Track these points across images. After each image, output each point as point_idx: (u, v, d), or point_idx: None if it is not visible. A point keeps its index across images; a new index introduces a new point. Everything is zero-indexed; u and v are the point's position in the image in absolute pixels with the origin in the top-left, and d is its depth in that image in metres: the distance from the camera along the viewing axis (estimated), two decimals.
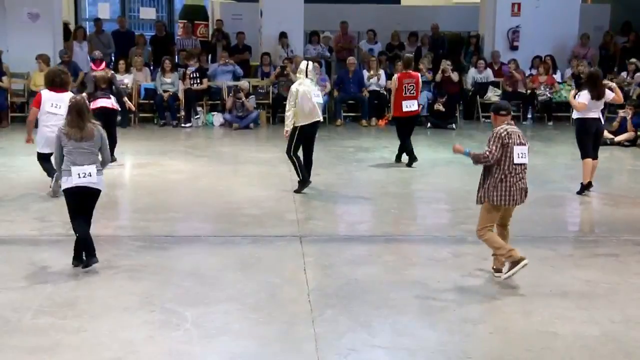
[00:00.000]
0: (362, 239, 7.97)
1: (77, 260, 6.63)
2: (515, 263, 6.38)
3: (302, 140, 9.48)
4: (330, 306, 5.96)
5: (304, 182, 9.51)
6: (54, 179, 8.75)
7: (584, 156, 9.59)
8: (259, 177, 9.95)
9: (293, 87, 9.48)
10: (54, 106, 8.88)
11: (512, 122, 6.55)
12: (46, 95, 8.96)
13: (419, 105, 11.46)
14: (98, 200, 6.79)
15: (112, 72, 11.72)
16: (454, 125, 15.03)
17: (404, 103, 11.07)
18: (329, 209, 9.13)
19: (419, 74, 11.55)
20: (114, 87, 11.09)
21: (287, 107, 9.46)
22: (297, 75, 9.74)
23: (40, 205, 8.77)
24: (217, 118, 15.09)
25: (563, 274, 6.83)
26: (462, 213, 8.87)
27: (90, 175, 6.54)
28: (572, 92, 10.23)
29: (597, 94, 9.40)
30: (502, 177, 6.37)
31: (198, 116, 15.02)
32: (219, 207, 9.02)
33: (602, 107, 9.74)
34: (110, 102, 10.68)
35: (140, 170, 11.13)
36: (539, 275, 6.66)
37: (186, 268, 6.83)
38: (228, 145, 13.20)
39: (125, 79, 14.84)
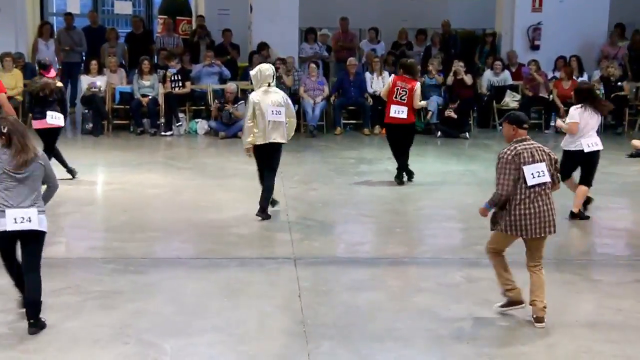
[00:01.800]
0: (364, 261, 7.97)
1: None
2: (511, 303, 6.40)
3: (258, 162, 9.24)
4: (327, 337, 5.96)
5: (264, 207, 9.16)
6: None
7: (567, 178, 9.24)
8: (247, 192, 9.95)
9: (252, 97, 9.15)
10: None
11: (527, 136, 6.34)
12: None
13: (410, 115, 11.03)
14: (43, 241, 6.19)
15: (61, 83, 11.51)
16: (467, 134, 15.07)
17: (393, 107, 10.85)
18: (326, 228, 9.14)
19: (418, 84, 11.17)
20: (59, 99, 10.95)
21: (245, 120, 9.22)
22: (256, 84, 9.14)
23: None
24: (202, 125, 15.13)
25: (591, 302, 6.84)
26: (475, 233, 8.86)
27: (30, 221, 5.92)
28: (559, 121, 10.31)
29: (597, 109, 9.16)
30: (516, 203, 6.18)
31: (180, 123, 15.06)
32: (203, 225, 9.02)
33: (596, 128, 9.37)
34: (48, 120, 10.61)
35: (114, 184, 11.14)
36: (563, 303, 6.67)
37: (165, 294, 6.83)
38: (213, 156, 13.23)
39: (98, 82, 14.88)
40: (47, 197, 6.20)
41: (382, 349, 5.80)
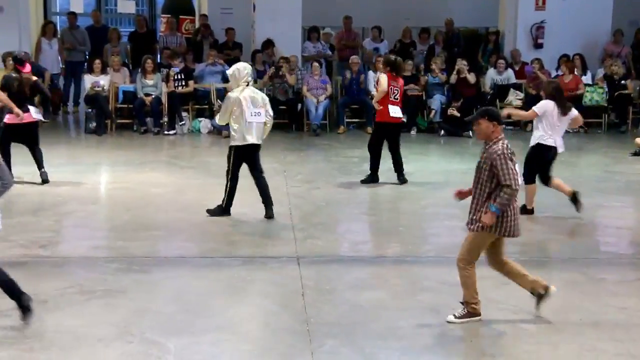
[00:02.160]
0: (367, 260, 7.97)
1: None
2: (470, 314, 6.21)
3: (235, 163, 9.09)
4: (331, 336, 5.96)
5: (221, 209, 9.15)
6: None
7: (530, 181, 9.19)
8: (250, 191, 9.94)
9: (232, 94, 8.97)
10: None
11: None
12: None
13: (403, 113, 11.23)
14: None
15: (36, 77, 11.30)
16: (470, 133, 15.04)
17: (391, 108, 10.82)
18: (329, 227, 9.14)
19: (402, 81, 11.35)
20: (39, 93, 10.89)
21: (220, 113, 9.16)
22: (234, 84, 9.05)
23: None
24: (205, 124, 15.15)
25: (594, 300, 6.82)
26: None
27: None
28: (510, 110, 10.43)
29: (564, 110, 9.12)
30: (514, 204, 6.10)
31: (183, 122, 15.07)
32: (206, 224, 9.02)
33: (565, 128, 9.39)
34: (33, 114, 10.52)
35: (117, 183, 11.15)
36: (567, 302, 6.65)
37: (169, 293, 6.83)
38: (216, 155, 13.19)
39: (101, 81, 14.90)
40: None
41: (386, 347, 5.80)
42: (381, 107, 10.86)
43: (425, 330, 6.11)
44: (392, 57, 11.62)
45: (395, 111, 10.84)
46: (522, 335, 6.09)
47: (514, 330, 6.18)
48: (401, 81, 11.18)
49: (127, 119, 15.45)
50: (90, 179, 10.98)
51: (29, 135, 10.55)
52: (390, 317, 6.35)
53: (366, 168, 12.18)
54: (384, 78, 10.91)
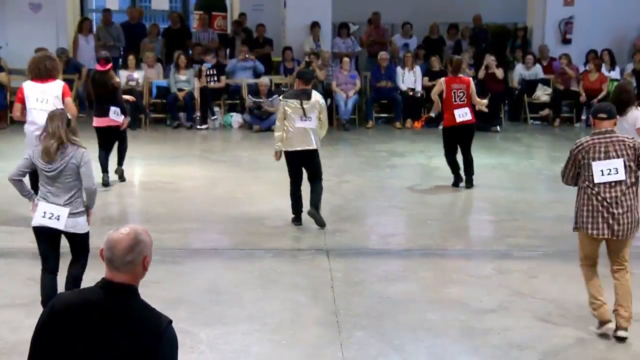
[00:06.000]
0: (396, 253, 7.96)
1: None
2: (600, 323, 5.86)
3: (291, 169, 8.63)
4: (360, 327, 5.96)
5: (294, 218, 8.72)
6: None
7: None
8: (281, 185, 9.95)
9: (280, 105, 8.67)
10: (40, 100, 8.03)
11: (612, 128, 5.84)
12: (28, 88, 8.12)
13: (472, 113, 10.42)
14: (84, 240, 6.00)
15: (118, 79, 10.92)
16: (498, 128, 14.97)
17: (456, 112, 10.25)
18: (358, 220, 9.13)
19: (471, 79, 10.72)
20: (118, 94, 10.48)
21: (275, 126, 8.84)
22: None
23: None
24: (236, 119, 15.18)
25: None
26: (507, 225, 8.82)
27: (58, 219, 5.73)
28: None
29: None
30: (584, 200, 5.80)
31: (215, 117, 15.12)
32: (238, 217, 9.05)
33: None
34: (112, 116, 10.20)
35: (151, 176, 11.22)
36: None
37: (201, 284, 6.87)
38: (247, 149, 13.26)
39: (135, 74, 14.97)
40: (88, 199, 5.97)
41: (414, 339, 5.79)
42: (445, 114, 10.44)
43: (453, 323, 6.09)
44: (455, 57, 11.06)
45: (461, 114, 10.26)
46: (549, 327, 6.05)
47: (541, 322, 6.14)
48: (465, 79, 10.51)
49: (161, 114, 15.53)
50: (125, 173, 11.05)
51: (113, 136, 10.37)
52: (419, 310, 6.34)
53: (394, 162, 12.19)
54: (440, 83, 10.47)
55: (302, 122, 8.43)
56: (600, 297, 5.83)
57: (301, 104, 8.43)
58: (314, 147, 8.50)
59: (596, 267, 5.92)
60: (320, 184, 8.62)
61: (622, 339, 5.76)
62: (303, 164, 8.59)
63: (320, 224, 8.48)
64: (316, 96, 8.55)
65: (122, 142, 10.58)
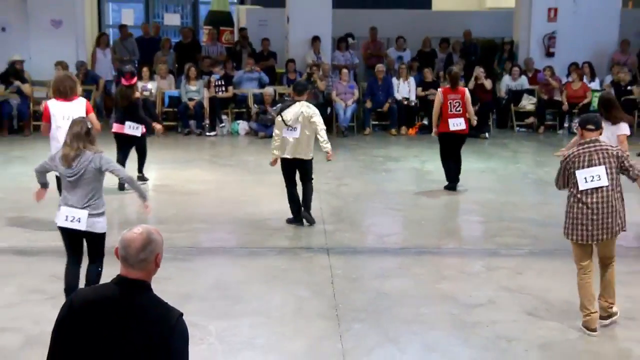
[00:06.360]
0: (392, 251, 7.93)
1: None
2: (586, 328, 5.78)
3: (284, 174, 8.68)
4: (358, 320, 5.94)
5: (292, 219, 8.73)
6: None
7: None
8: (284, 188, 9.95)
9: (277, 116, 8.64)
10: (65, 118, 7.91)
11: (596, 138, 5.76)
12: (54, 106, 8.13)
13: (466, 123, 10.33)
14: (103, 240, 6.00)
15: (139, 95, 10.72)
16: (486, 134, 14.94)
17: (451, 121, 10.21)
18: (357, 220, 9.11)
19: (466, 89, 10.65)
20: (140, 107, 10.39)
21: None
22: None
23: None
24: (243, 126, 15.16)
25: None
26: (495, 225, 8.80)
27: (79, 221, 5.76)
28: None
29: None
30: (570, 207, 5.74)
31: (223, 124, 15.10)
32: (244, 217, 9.04)
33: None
34: (127, 130, 10.20)
35: (164, 180, 11.20)
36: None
37: (210, 280, 6.85)
38: (253, 154, 13.24)
39: (149, 85, 14.96)
40: (133, 188, 6.15)
41: (409, 332, 5.77)
42: (440, 122, 10.33)
43: (445, 316, 6.08)
44: (452, 69, 10.73)
45: (455, 124, 10.21)
46: (535, 320, 6.03)
47: (528, 315, 6.13)
48: (461, 89, 10.40)
49: (172, 122, 15.51)
50: (139, 177, 11.01)
51: (130, 142, 10.37)
52: (413, 304, 6.32)
53: (390, 166, 12.16)
54: (438, 94, 10.42)
55: (287, 132, 8.43)
56: (590, 307, 5.76)
57: (281, 115, 8.42)
58: (302, 157, 8.49)
59: (590, 274, 5.81)
60: (311, 185, 8.69)
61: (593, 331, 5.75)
62: (295, 169, 8.64)
63: (310, 222, 8.60)
64: (301, 107, 8.42)
65: (142, 152, 10.62)
